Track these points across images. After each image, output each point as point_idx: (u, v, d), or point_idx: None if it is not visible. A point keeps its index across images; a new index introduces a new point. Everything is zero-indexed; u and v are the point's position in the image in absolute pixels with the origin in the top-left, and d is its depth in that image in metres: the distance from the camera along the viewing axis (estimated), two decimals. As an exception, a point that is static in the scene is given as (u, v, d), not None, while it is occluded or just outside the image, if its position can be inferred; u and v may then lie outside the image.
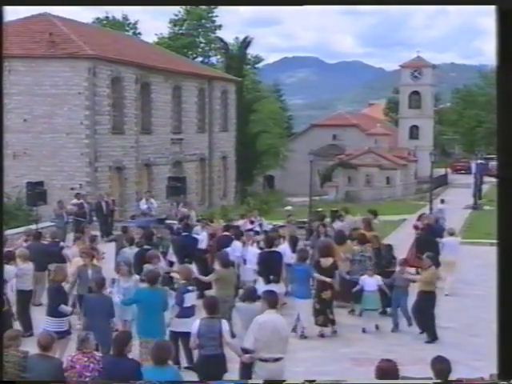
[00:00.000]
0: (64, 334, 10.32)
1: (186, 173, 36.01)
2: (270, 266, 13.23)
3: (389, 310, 13.69)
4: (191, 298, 10.55)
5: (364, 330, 13.17)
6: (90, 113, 29.91)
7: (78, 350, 7.76)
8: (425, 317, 12.60)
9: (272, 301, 8.68)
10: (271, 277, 13.07)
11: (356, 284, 13.63)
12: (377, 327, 13.26)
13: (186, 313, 10.32)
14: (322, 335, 12.85)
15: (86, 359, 7.57)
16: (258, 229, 18.21)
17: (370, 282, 13.22)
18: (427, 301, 12.52)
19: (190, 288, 10.69)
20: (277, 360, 8.38)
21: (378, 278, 13.31)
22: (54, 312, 10.53)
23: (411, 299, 13.11)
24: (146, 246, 14.08)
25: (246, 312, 9.44)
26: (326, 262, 12.85)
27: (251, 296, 9.63)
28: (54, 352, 8.66)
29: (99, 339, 8.82)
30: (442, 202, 28.88)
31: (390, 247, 15.04)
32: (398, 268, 13.57)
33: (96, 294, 10.45)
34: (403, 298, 13.22)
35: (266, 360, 8.31)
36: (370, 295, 13.23)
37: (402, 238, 20.96)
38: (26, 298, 12.82)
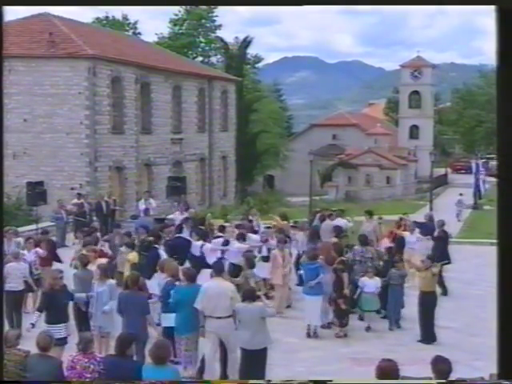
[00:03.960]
0: (63, 341, 10.06)
1: (186, 173, 35.98)
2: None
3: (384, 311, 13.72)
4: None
5: (368, 329, 13.19)
6: (90, 113, 29.90)
7: (80, 351, 7.76)
8: (426, 317, 12.60)
9: (218, 269, 10.45)
10: None
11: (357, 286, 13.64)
12: (368, 328, 13.22)
13: (172, 308, 10.45)
14: (341, 335, 12.84)
15: (86, 360, 7.57)
16: (257, 228, 18.22)
17: (370, 284, 13.23)
18: (428, 301, 12.53)
19: (177, 284, 10.79)
20: (219, 318, 9.80)
21: (378, 279, 13.32)
22: (50, 319, 10.33)
23: (411, 300, 13.14)
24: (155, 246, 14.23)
25: (246, 312, 9.45)
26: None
27: (251, 296, 9.63)
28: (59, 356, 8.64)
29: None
30: (461, 194, 29.68)
31: (390, 249, 15.01)
32: (393, 267, 13.59)
33: (130, 291, 10.31)
34: (399, 297, 13.24)
35: (210, 317, 9.84)
36: (369, 297, 13.23)
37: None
38: (16, 298, 12.78)
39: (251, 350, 9.45)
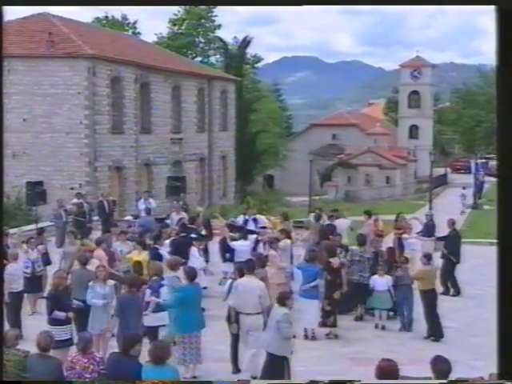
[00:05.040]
0: (66, 343, 10.00)
1: (186, 172, 35.98)
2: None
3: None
4: (165, 293, 10.77)
5: (377, 326, 13.18)
6: (90, 112, 29.88)
7: (80, 351, 7.76)
8: (429, 315, 12.60)
9: (250, 266, 10.69)
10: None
11: (360, 285, 13.59)
12: (383, 327, 13.24)
13: (162, 307, 10.56)
14: (331, 336, 12.75)
15: (85, 360, 7.57)
16: (252, 226, 18.13)
17: (381, 282, 13.21)
18: (429, 299, 12.55)
19: (163, 282, 10.90)
20: (249, 314, 10.20)
21: (389, 278, 13.33)
22: (53, 320, 10.28)
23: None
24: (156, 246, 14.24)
25: (272, 314, 9.44)
26: (335, 261, 12.93)
27: (282, 300, 9.55)
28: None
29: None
30: (464, 188, 30.58)
31: (392, 249, 14.95)
32: (400, 268, 13.55)
33: (128, 294, 10.35)
34: (409, 297, 13.19)
35: (240, 313, 10.27)
36: (381, 295, 13.23)
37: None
38: (17, 300, 12.78)
39: (270, 353, 9.35)
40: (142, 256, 13.56)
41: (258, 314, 10.22)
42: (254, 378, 10.14)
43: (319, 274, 12.63)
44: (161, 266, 11.83)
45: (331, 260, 12.85)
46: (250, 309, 10.19)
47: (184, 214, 20.07)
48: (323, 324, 12.82)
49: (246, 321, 10.29)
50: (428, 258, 13.04)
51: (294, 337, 9.75)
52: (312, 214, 19.64)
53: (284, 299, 9.55)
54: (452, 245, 16.67)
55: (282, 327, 9.25)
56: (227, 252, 15.61)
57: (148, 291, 11.04)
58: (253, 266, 10.87)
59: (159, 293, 10.75)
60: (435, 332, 12.57)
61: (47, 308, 10.49)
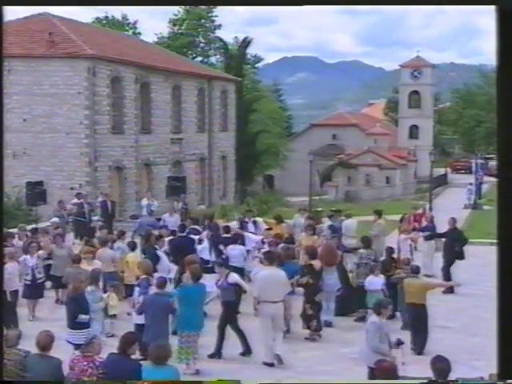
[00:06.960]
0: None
1: (186, 172, 35.98)
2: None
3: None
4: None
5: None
6: (90, 112, 29.88)
7: (81, 352, 7.76)
8: (418, 333, 12.03)
9: (271, 258, 11.33)
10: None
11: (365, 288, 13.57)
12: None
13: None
14: (313, 339, 12.58)
15: (85, 363, 7.54)
16: (252, 229, 18.13)
17: (376, 282, 13.15)
18: (419, 315, 11.89)
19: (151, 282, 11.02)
20: (274, 302, 10.82)
21: (382, 277, 13.28)
22: (73, 324, 10.26)
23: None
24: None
25: (367, 324, 9.32)
26: (317, 264, 12.78)
27: (377, 309, 9.19)
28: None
29: (154, 339, 8.55)
30: (471, 184, 31.52)
31: (391, 250, 14.91)
32: (402, 269, 13.49)
33: (156, 294, 10.35)
34: None
35: (265, 301, 10.77)
36: (375, 294, 13.17)
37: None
38: (13, 298, 12.75)
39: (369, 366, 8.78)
40: (135, 256, 13.64)
41: (281, 301, 10.99)
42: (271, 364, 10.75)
43: (298, 271, 12.62)
44: (150, 265, 11.92)
45: (313, 262, 12.70)
46: (276, 297, 10.84)
47: (177, 217, 19.95)
48: (308, 328, 12.64)
49: (271, 308, 10.80)
50: (414, 270, 12.35)
51: (391, 347, 8.90)
52: (297, 215, 19.69)
53: (380, 307, 9.09)
54: (452, 243, 16.68)
55: (368, 338, 8.88)
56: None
57: (136, 290, 11.13)
58: (273, 257, 11.43)
59: (148, 292, 10.78)
60: (419, 344, 11.89)
61: (68, 312, 10.46)
